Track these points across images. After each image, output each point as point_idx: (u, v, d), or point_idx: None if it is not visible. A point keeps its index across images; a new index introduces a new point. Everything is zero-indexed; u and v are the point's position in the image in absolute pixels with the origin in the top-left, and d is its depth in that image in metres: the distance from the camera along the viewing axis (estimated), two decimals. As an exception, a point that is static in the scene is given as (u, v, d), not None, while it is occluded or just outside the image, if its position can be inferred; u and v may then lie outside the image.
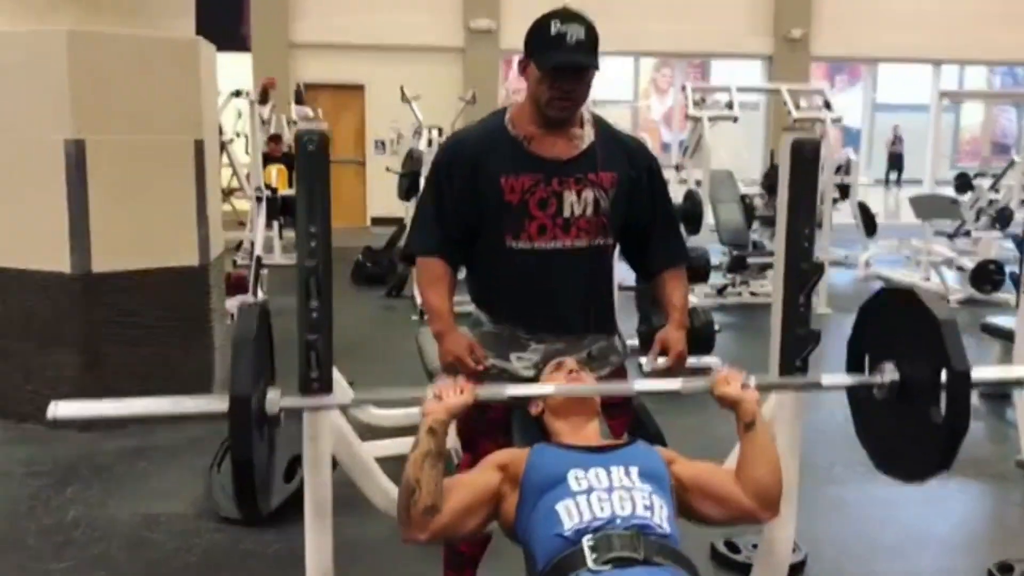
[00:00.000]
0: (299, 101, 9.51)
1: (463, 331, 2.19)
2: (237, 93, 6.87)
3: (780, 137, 2.13)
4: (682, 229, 5.20)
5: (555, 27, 2.03)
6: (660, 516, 1.69)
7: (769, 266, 7.33)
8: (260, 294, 5.24)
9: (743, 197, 8.71)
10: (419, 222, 2.24)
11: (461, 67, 12.69)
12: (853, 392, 2.06)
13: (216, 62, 4.51)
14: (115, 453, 3.72)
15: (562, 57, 2.03)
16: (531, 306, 2.16)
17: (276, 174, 8.73)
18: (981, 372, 1.86)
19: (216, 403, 1.66)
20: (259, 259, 5.37)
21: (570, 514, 1.68)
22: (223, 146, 6.04)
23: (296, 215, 1.93)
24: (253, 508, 1.68)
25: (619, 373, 2.29)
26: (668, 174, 8.43)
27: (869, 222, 9.26)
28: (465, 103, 9.48)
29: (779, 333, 2.13)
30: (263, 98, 8.38)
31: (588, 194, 2.13)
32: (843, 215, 9.29)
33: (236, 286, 6.13)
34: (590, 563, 1.59)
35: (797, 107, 6.98)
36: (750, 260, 6.88)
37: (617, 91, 14.29)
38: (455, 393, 1.77)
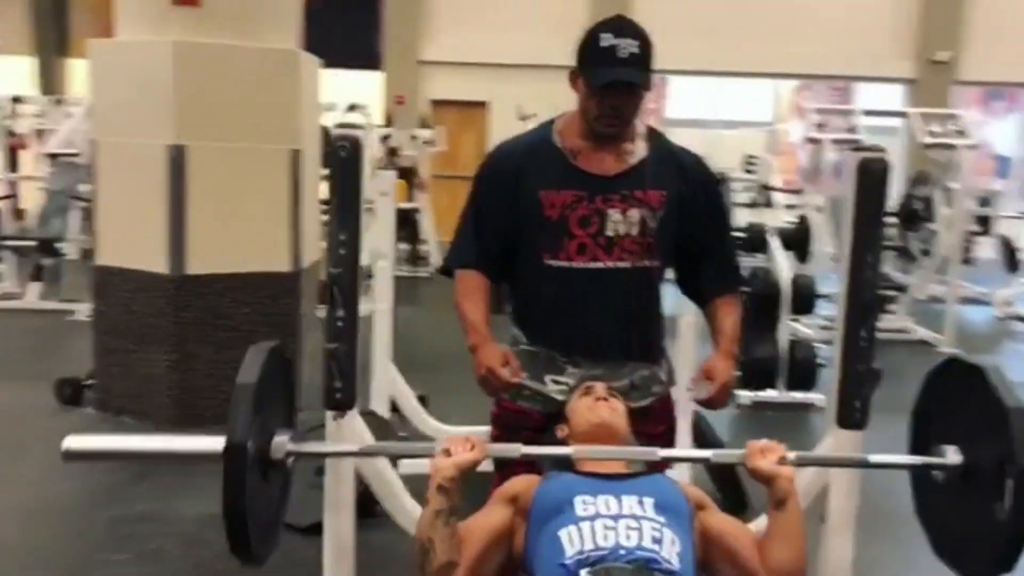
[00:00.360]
0: (424, 127, 9.73)
1: (501, 346, 2.09)
2: (352, 107, 7.02)
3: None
4: (782, 255, 5.03)
5: (605, 40, 1.92)
6: (670, 551, 1.57)
7: (892, 299, 6.94)
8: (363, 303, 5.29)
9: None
10: (458, 235, 2.16)
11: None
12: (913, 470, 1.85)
13: (318, 75, 4.61)
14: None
15: (610, 74, 1.91)
16: (568, 329, 2.05)
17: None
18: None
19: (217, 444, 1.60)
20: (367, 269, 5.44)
21: (572, 541, 1.58)
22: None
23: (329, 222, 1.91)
24: (247, 555, 1.62)
25: (664, 403, 2.15)
26: (788, 198, 8.15)
27: (1011, 258, 8.62)
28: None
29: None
30: (388, 122, 8.58)
31: (634, 213, 2.00)
32: (987, 249, 8.71)
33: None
34: None
35: (931, 133, 6.56)
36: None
37: (755, 113, 13.91)
38: (465, 449, 1.68)
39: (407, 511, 2.06)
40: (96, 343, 4.38)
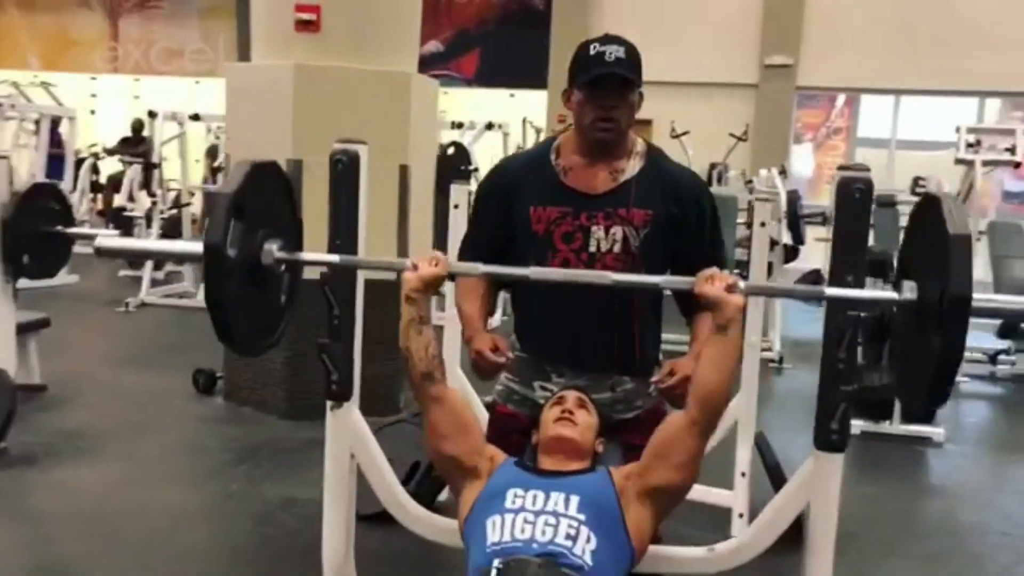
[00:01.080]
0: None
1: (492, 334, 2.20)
2: (490, 126, 7.29)
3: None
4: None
5: (593, 48, 2.01)
6: (583, 548, 1.65)
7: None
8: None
9: (1043, 254, 7.66)
10: (462, 243, 2.31)
11: (754, 104, 12.37)
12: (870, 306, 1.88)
13: (436, 96, 4.86)
14: (301, 441, 4.11)
15: (599, 69, 1.99)
16: (552, 339, 2.14)
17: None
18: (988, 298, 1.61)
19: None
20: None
21: (494, 529, 1.71)
22: (470, 174, 6.43)
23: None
24: (230, 341, 1.87)
25: (654, 414, 2.17)
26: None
27: None
28: (736, 139, 9.25)
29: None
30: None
31: (617, 230, 2.07)
32: None
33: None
34: None
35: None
36: (1025, 325, 5.99)
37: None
38: (430, 264, 1.88)
39: (402, 503, 2.20)
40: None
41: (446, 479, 2.12)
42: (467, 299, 2.23)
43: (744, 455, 3.32)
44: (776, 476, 3.27)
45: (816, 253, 9.75)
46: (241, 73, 4.63)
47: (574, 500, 1.72)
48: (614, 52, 1.99)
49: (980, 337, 6.39)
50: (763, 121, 12.11)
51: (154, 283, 7.59)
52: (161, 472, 3.77)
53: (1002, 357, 6.32)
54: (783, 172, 8.85)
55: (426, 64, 14.55)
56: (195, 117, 7.86)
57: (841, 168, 1.94)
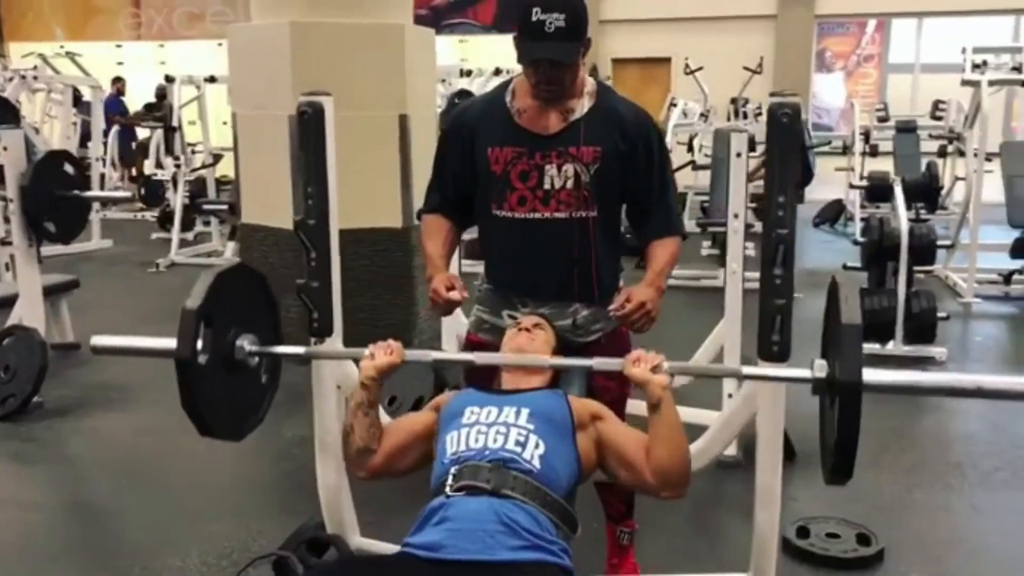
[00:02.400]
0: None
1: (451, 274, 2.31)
2: (497, 71, 7.35)
3: None
4: (903, 205, 4.82)
5: (535, 14, 2.06)
6: (531, 452, 1.81)
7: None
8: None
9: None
10: (429, 184, 2.45)
11: (773, 35, 12.22)
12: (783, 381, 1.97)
13: (434, 45, 4.96)
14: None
15: (536, 50, 2.09)
16: (515, 272, 2.29)
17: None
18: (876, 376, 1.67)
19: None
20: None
21: (451, 443, 1.88)
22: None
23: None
24: (210, 434, 2.02)
25: (614, 337, 2.32)
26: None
27: None
28: (752, 72, 9.20)
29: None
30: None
31: (568, 168, 2.18)
32: None
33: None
34: (447, 489, 1.77)
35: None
36: (1037, 243, 5.99)
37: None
38: (386, 353, 2.01)
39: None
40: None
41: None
42: (429, 238, 2.37)
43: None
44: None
45: (837, 184, 9.72)
46: (242, 33, 4.78)
47: (524, 412, 1.88)
48: (554, 22, 2.04)
49: (994, 258, 6.42)
50: (783, 52, 11.99)
51: (183, 244, 7.85)
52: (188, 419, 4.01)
53: (1016, 277, 6.33)
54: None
55: (442, 13, 14.59)
56: (211, 79, 8.03)
57: (772, 95, 2.04)
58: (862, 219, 7.87)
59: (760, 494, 2.14)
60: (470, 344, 2.42)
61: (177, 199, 7.76)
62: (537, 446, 1.82)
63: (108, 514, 3.14)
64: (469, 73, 7.34)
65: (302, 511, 2.70)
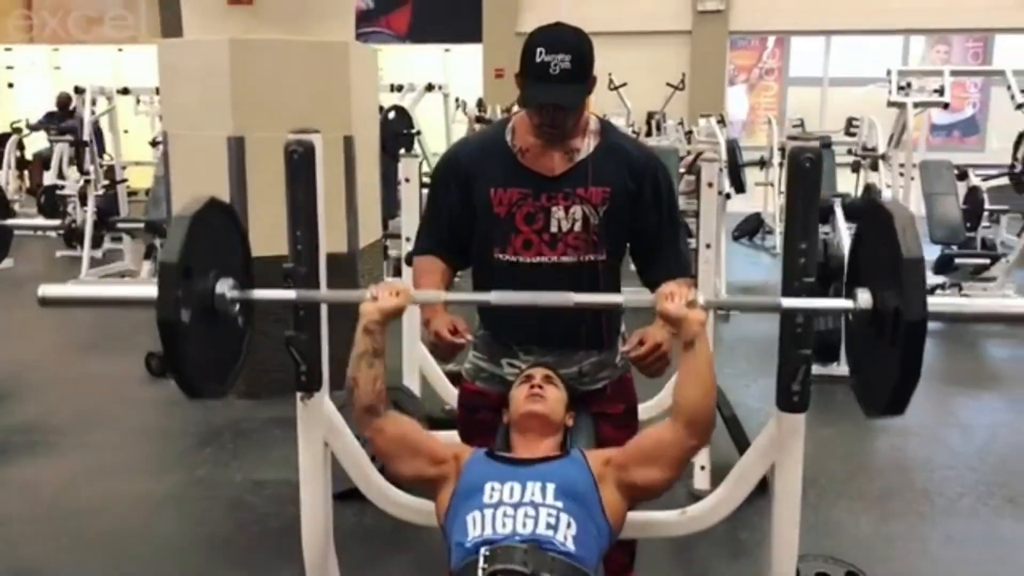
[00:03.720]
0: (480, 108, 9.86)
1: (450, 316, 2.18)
2: (430, 87, 7.21)
3: None
4: (844, 226, 4.90)
5: (539, 55, 1.97)
6: (564, 533, 1.69)
7: (985, 267, 6.63)
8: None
9: (973, 189, 7.91)
10: (420, 226, 2.31)
11: (688, 50, 12.44)
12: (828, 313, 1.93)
13: (376, 63, 4.80)
14: (262, 421, 4.11)
15: (541, 94, 1.99)
16: (518, 320, 2.15)
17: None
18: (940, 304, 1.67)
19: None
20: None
21: (475, 525, 1.73)
22: (412, 137, 6.38)
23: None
24: (188, 388, 1.80)
25: (620, 384, 2.23)
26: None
27: None
28: (674, 88, 9.31)
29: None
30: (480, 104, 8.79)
31: (576, 210, 2.09)
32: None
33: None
34: (480, 574, 1.63)
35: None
36: (960, 261, 6.22)
37: (883, 69, 13.35)
38: (390, 295, 1.86)
39: (377, 487, 2.23)
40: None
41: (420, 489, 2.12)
42: (423, 278, 2.22)
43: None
44: (734, 427, 3.38)
45: (755, 198, 9.92)
46: (174, 49, 4.51)
47: (550, 488, 1.76)
48: (560, 64, 1.95)
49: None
50: (698, 67, 12.22)
51: (93, 262, 7.41)
52: (123, 461, 3.74)
53: (938, 292, 6.53)
54: (721, 121, 8.95)
55: (355, 22, 14.32)
56: (124, 91, 7.62)
57: (791, 138, 1.99)
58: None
59: (774, 543, 2.07)
60: (467, 393, 2.29)
61: (88, 216, 7.32)
62: (569, 526, 1.71)
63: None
64: (400, 88, 7.17)
65: (265, 569, 2.51)
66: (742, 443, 3.29)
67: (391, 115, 6.42)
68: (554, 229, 2.09)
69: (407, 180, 3.44)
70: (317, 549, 2.24)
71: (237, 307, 1.91)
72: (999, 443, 3.95)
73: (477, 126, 8.23)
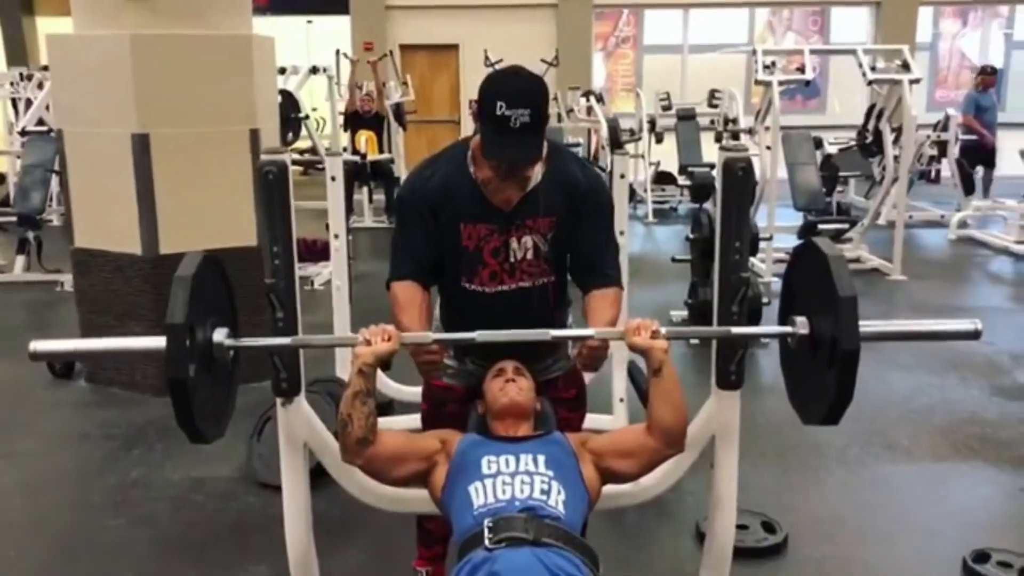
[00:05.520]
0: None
1: None
2: (315, 70, 7.17)
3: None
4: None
5: (500, 109, 2.03)
6: (556, 499, 1.91)
7: (844, 231, 7.22)
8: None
9: (827, 157, 8.55)
10: (393, 252, 2.35)
11: (554, 23, 12.71)
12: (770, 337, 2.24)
13: (274, 52, 4.80)
14: (182, 417, 4.12)
15: (500, 148, 2.08)
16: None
17: (365, 141, 9.07)
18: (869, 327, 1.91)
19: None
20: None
21: (478, 494, 1.93)
22: (300, 122, 6.36)
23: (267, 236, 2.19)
24: (193, 431, 1.91)
25: (570, 373, 2.45)
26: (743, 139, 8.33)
27: (966, 180, 8.91)
28: (547, 65, 9.55)
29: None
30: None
31: (527, 239, 2.24)
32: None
33: (321, 252, 6.50)
34: (487, 542, 1.82)
35: (874, 69, 6.77)
36: (822, 227, 6.76)
37: (731, 36, 14.07)
38: (383, 339, 1.99)
39: (356, 480, 2.37)
40: (82, 320, 4.66)
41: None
42: (404, 312, 2.25)
43: (620, 383, 3.71)
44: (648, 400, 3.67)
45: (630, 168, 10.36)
46: (66, 44, 4.38)
47: (541, 459, 1.98)
48: (519, 118, 2.02)
49: (784, 238, 7.14)
50: (565, 40, 12.51)
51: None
52: (49, 470, 3.68)
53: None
54: (600, 99, 9.28)
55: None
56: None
57: (723, 149, 2.22)
58: (690, 212, 8.49)
59: (715, 504, 2.34)
60: (433, 388, 2.46)
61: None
62: (559, 492, 1.93)
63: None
64: (283, 71, 7.10)
65: (225, 566, 2.58)
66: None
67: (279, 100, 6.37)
68: (512, 259, 2.25)
69: (333, 179, 3.52)
70: (300, 548, 2.36)
71: (231, 353, 2.03)
72: (871, 395, 4.41)
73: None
